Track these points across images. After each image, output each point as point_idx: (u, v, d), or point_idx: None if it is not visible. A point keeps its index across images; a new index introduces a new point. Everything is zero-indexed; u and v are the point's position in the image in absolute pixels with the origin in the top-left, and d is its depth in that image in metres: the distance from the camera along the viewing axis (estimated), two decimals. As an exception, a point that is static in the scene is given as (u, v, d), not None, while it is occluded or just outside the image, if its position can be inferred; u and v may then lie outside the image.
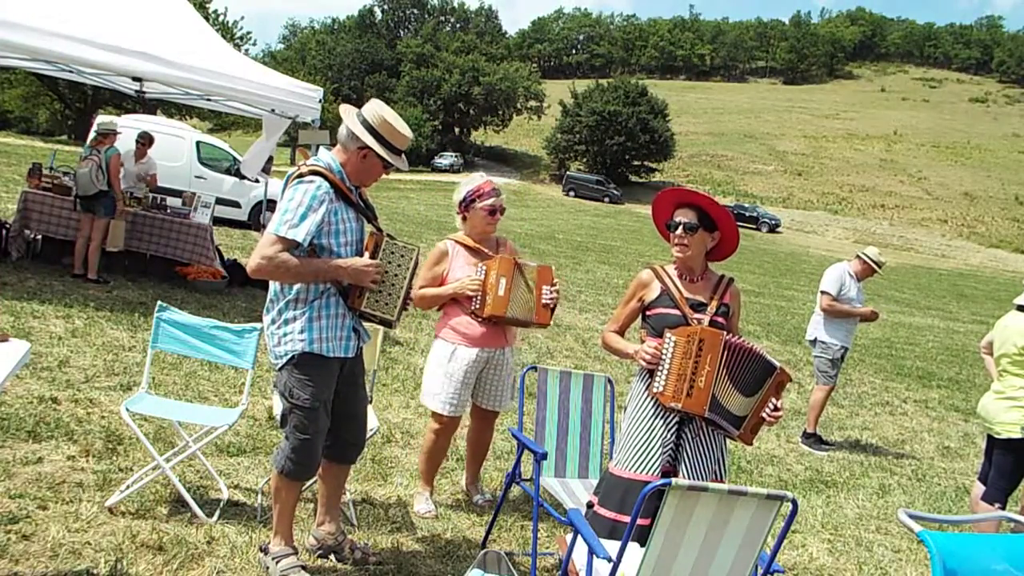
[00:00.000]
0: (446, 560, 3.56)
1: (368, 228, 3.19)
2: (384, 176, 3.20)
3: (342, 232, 3.00)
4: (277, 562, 3.08)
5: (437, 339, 4.07)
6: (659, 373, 3.02)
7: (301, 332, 2.98)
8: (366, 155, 3.03)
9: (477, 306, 3.90)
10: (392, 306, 3.10)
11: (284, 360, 3.01)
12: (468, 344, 3.96)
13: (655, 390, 3.03)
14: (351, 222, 3.05)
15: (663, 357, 3.00)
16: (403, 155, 3.12)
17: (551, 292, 3.96)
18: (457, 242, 4.03)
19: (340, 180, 3.00)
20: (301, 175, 2.94)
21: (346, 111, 3.09)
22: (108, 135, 8.26)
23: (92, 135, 8.50)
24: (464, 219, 4.02)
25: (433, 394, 4.00)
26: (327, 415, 3.10)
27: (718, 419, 2.98)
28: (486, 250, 4.02)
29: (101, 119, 9.23)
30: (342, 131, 3.06)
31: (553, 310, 4.02)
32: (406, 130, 3.08)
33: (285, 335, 3.00)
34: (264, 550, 3.16)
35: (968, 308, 24.75)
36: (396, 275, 3.10)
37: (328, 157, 3.06)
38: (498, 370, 4.09)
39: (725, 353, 2.94)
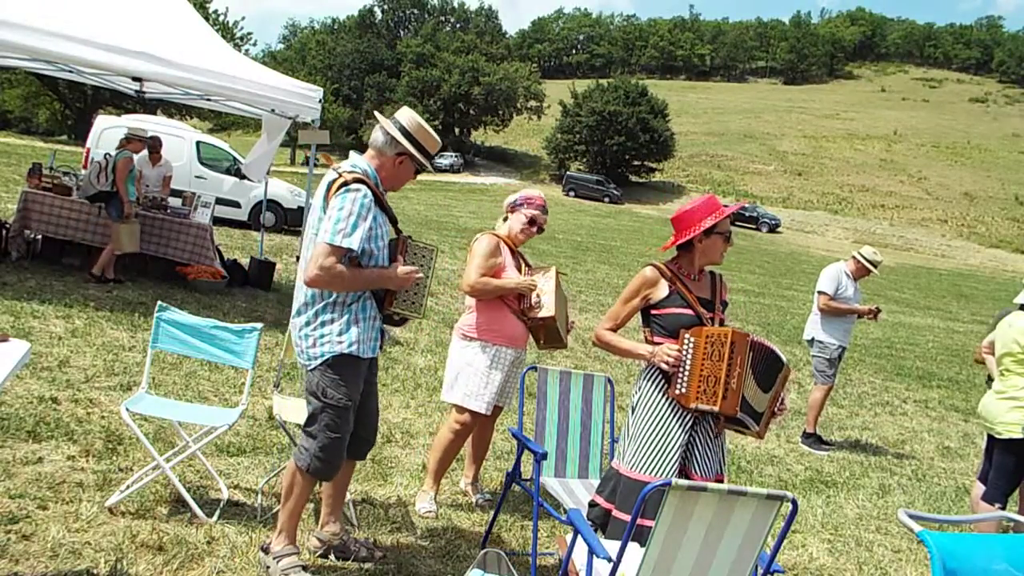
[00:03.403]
0: (446, 560, 3.56)
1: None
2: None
3: (380, 236, 3.08)
4: (278, 561, 3.08)
5: (475, 340, 4.05)
6: (679, 375, 3.03)
7: (340, 334, 3.03)
8: (403, 161, 3.14)
9: (527, 305, 3.99)
10: (418, 304, 3.23)
11: (319, 361, 3.05)
12: (508, 345, 4.05)
13: (677, 392, 3.05)
14: (385, 226, 3.14)
15: (683, 359, 3.02)
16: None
17: (571, 319, 4.27)
18: (503, 241, 4.13)
19: (375, 186, 3.08)
20: (346, 183, 2.97)
21: (383, 119, 3.19)
22: (132, 140, 8.34)
23: (122, 136, 8.56)
24: (505, 219, 4.17)
25: (476, 395, 4.02)
26: (354, 414, 3.14)
27: (745, 417, 3.02)
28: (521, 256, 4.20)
29: (131, 124, 9.29)
30: (378, 137, 3.14)
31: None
32: (436, 136, 3.21)
33: (322, 337, 3.04)
34: (265, 549, 3.16)
35: (968, 308, 24.76)
36: (422, 275, 3.22)
37: (364, 163, 3.12)
38: (517, 368, 4.18)
39: (751, 353, 3.00)
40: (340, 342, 3.02)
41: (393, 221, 3.21)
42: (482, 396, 4.02)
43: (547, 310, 3.92)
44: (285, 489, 3.15)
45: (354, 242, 2.91)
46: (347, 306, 3.05)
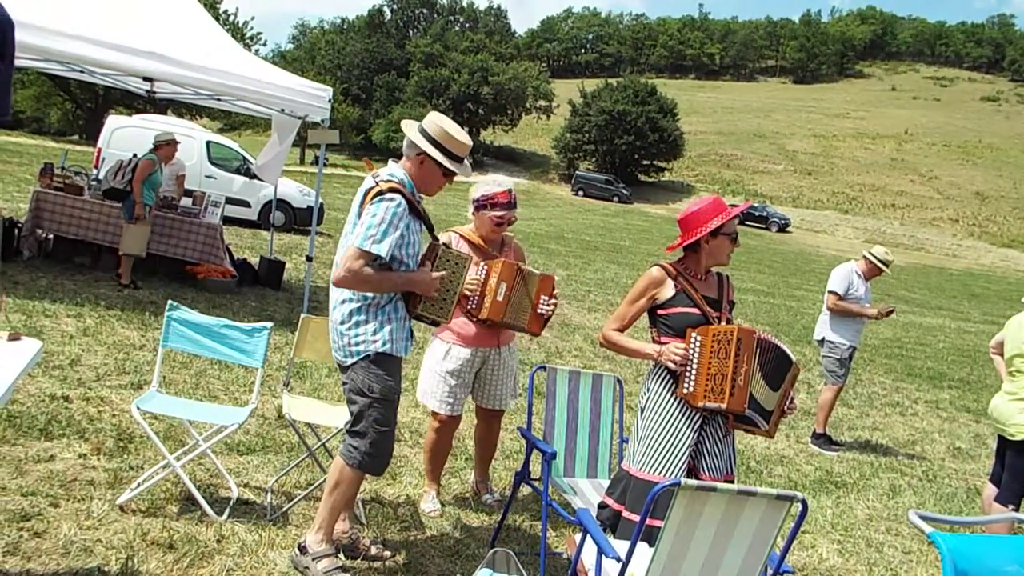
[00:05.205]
0: (455, 559, 3.57)
1: (424, 237, 3.31)
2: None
3: (411, 244, 3.15)
4: (317, 561, 3.09)
5: (434, 338, 4.08)
6: (687, 374, 3.03)
7: (374, 334, 3.13)
8: (423, 161, 3.20)
9: (473, 306, 3.83)
10: (446, 310, 3.29)
11: (357, 358, 3.12)
12: (462, 344, 3.97)
13: (685, 391, 3.04)
14: (418, 234, 3.20)
15: (690, 358, 3.02)
16: (464, 161, 3.26)
17: (548, 303, 3.92)
18: (462, 236, 4.00)
19: (411, 195, 3.14)
20: (381, 192, 3.05)
21: (407, 125, 3.26)
22: (161, 146, 8.36)
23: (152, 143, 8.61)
24: (474, 215, 4.02)
25: (430, 393, 4.02)
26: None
27: (754, 415, 3.02)
28: (490, 249, 4.00)
29: (146, 125, 9.35)
30: (405, 143, 3.23)
31: (547, 321, 4.00)
32: (465, 137, 3.23)
33: (357, 336, 3.13)
34: (302, 548, 3.16)
35: (979, 308, 24.60)
36: (451, 281, 3.29)
37: (400, 172, 3.19)
38: (496, 369, 4.08)
39: (758, 350, 3.00)
40: (375, 341, 3.12)
41: (429, 228, 3.27)
42: (434, 394, 4.00)
43: (483, 312, 3.79)
44: (329, 486, 3.17)
45: (383, 249, 3.01)
46: (380, 308, 3.14)
